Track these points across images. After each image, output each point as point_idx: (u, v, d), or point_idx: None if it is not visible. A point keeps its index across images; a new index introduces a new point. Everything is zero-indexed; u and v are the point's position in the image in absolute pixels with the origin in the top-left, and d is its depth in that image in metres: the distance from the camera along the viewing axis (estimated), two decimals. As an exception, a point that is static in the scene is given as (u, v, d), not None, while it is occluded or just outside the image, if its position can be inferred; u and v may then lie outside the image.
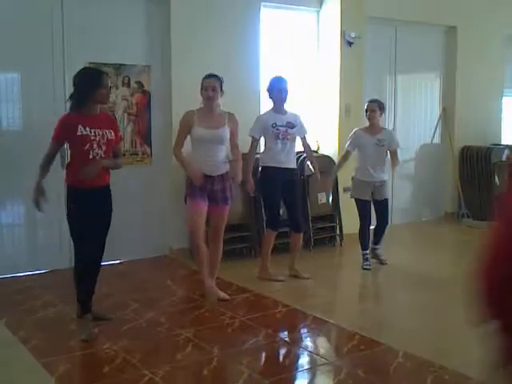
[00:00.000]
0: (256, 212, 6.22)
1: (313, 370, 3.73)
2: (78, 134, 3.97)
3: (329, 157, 6.86)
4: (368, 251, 5.84)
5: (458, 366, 3.59)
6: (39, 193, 4.03)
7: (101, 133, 4.05)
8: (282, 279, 5.36)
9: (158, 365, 3.61)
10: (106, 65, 5.72)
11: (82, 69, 4.28)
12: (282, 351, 3.99)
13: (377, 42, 7.57)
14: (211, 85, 4.64)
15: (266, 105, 6.57)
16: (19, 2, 5.35)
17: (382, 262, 5.93)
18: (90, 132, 4.00)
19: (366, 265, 5.76)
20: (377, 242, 6.00)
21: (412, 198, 8.27)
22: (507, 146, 8.68)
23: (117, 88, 5.82)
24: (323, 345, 4.26)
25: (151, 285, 5.31)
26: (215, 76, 4.70)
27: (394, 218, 7.59)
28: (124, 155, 5.90)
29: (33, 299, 4.78)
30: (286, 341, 4.12)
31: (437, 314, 4.70)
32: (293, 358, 3.92)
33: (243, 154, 5.05)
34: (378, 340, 4.03)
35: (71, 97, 4.09)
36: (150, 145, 6.06)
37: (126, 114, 5.90)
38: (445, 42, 8.42)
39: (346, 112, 6.94)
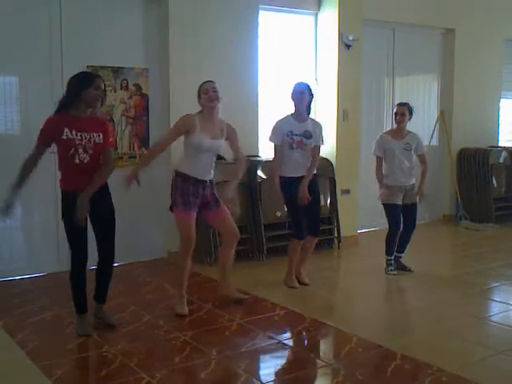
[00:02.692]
0: (254, 214, 6.22)
1: (311, 372, 3.72)
2: (63, 137, 3.89)
3: (327, 159, 6.85)
4: (393, 257, 5.77)
5: (456, 369, 3.59)
6: (10, 200, 3.93)
7: (88, 136, 3.95)
8: (294, 286, 5.29)
9: (155, 368, 3.60)
10: (104, 68, 5.73)
11: (78, 73, 4.14)
12: (280, 354, 3.98)
13: (375, 44, 7.58)
14: (213, 87, 4.49)
15: (263, 108, 6.62)
16: (17, 4, 5.35)
17: (409, 270, 5.81)
18: (76, 135, 3.92)
19: (391, 270, 5.71)
20: (402, 250, 5.86)
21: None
22: (504, 148, 8.70)
23: (115, 91, 5.83)
24: (321, 347, 4.25)
25: (149, 288, 5.30)
26: (213, 81, 4.58)
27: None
28: (122, 158, 5.93)
29: (30, 303, 4.78)
30: (283, 343, 4.11)
31: (435, 316, 4.70)
32: (291, 361, 3.91)
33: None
34: (376, 342, 4.03)
35: (61, 99, 4.02)
36: (148, 148, 6.05)
37: (124, 117, 5.90)
38: (443, 44, 8.44)
39: (343, 114, 6.94)
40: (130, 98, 5.94)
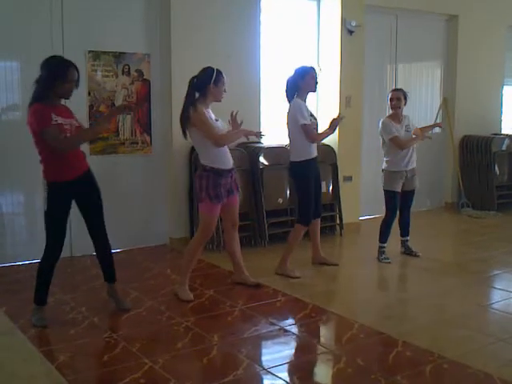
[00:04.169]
0: (256, 201, 6.21)
1: (312, 358, 3.73)
2: (53, 122, 3.79)
3: (329, 146, 6.83)
4: (386, 244, 5.77)
5: (457, 356, 3.59)
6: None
7: (68, 121, 3.93)
8: (297, 276, 5.20)
9: (157, 353, 3.61)
10: (105, 53, 5.70)
11: (51, 57, 4.01)
12: (282, 340, 3.98)
13: (377, 30, 7.54)
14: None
15: (266, 94, 6.59)
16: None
17: (415, 255, 5.86)
18: (63, 121, 3.86)
19: (385, 258, 5.71)
20: (406, 233, 5.94)
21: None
22: (507, 136, 8.67)
23: (116, 76, 5.80)
24: (323, 333, 4.26)
25: (151, 274, 5.31)
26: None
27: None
28: (124, 144, 5.92)
29: (32, 288, 4.75)
30: (285, 329, 4.12)
31: (437, 303, 4.70)
32: (292, 347, 3.92)
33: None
34: (377, 329, 4.04)
35: (37, 82, 3.87)
36: (149, 134, 6.04)
37: (125, 103, 5.87)
38: (446, 30, 8.39)
39: (346, 101, 6.92)
40: (132, 83, 5.91)
